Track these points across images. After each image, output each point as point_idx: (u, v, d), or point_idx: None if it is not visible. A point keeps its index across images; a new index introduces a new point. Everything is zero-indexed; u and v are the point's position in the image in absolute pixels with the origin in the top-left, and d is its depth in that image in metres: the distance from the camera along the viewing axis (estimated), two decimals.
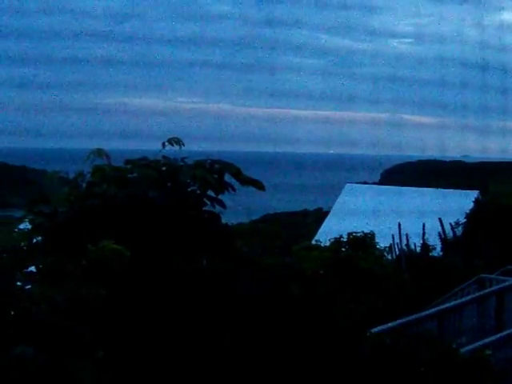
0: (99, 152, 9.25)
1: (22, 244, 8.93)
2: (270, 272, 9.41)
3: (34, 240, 9.07)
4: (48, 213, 8.70)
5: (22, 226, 9.40)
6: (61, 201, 9.00)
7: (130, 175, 9.11)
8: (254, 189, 9.46)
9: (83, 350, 7.64)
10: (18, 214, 9.74)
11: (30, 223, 9.08)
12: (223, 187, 9.02)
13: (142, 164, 9.02)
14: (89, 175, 9.32)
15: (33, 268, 8.70)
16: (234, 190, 9.19)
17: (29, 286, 8.29)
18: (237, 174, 9.20)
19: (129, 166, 9.14)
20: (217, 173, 9.11)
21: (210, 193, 9.12)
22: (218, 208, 9.22)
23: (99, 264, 7.49)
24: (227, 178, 9.31)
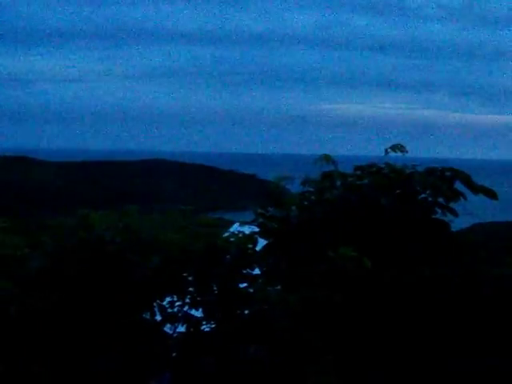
0: (327, 158, 9.34)
1: (242, 246, 9.10)
2: (501, 284, 9.14)
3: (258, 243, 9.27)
4: (281, 217, 8.87)
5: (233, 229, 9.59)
6: (291, 205, 9.15)
7: (358, 182, 9.13)
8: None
9: (314, 354, 7.73)
10: (227, 216, 9.95)
11: (259, 226, 9.27)
12: (456, 195, 8.87)
13: (373, 171, 9.02)
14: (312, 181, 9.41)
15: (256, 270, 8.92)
16: (465, 198, 9.01)
17: (250, 289, 8.49)
18: (468, 181, 9.02)
19: (359, 173, 9.17)
20: (448, 180, 8.97)
21: (440, 200, 8.99)
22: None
23: (338, 270, 7.54)
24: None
